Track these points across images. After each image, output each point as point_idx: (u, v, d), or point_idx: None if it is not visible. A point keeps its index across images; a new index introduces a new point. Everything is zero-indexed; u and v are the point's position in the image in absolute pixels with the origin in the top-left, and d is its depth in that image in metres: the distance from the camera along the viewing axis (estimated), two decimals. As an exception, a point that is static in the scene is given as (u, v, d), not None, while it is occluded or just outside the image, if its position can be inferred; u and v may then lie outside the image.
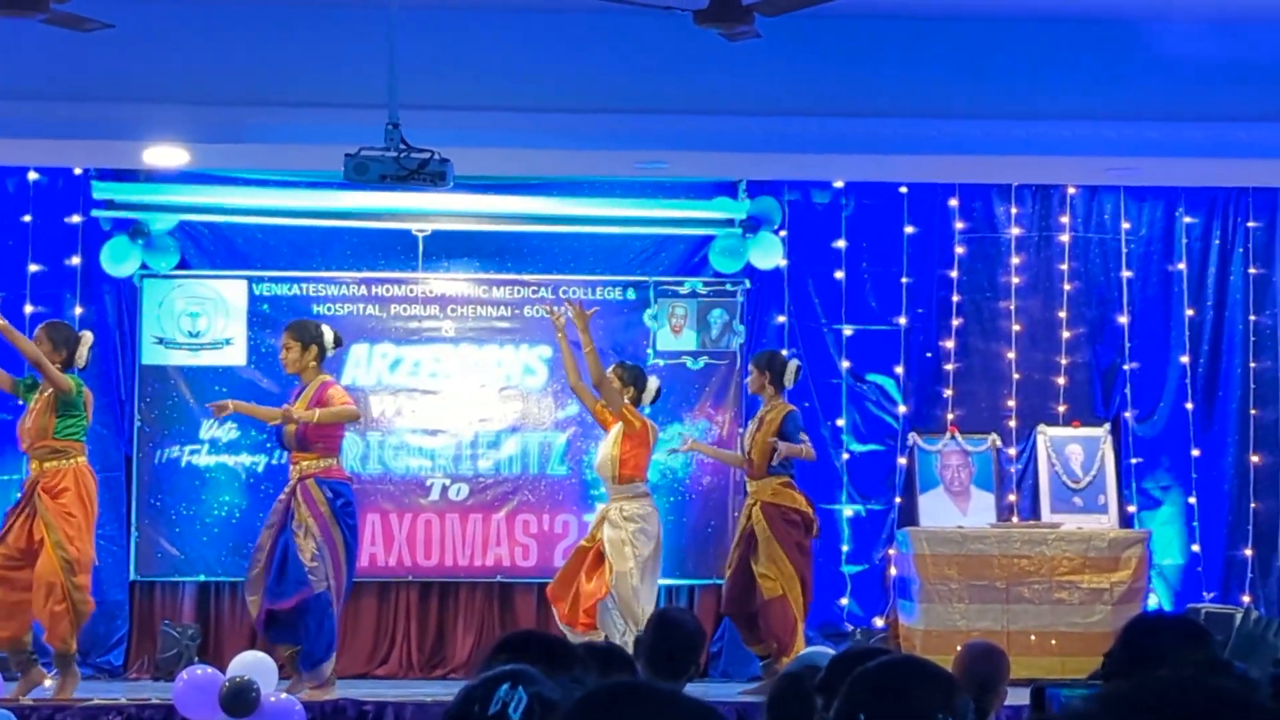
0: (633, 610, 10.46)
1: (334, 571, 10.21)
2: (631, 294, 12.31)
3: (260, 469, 11.99)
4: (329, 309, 12.15)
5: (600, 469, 11.02)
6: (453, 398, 12.23)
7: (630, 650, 7.22)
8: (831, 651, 7.79)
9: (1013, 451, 12.50)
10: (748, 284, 12.41)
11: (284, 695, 9.77)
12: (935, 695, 3.48)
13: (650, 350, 12.22)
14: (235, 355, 11.99)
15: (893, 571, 12.26)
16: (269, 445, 11.87)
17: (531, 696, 3.01)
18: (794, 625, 10.81)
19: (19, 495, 10.42)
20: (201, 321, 12.05)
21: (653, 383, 11.08)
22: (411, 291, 12.28)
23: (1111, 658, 4.46)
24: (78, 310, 11.88)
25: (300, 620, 10.21)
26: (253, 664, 9.82)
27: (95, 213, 12.08)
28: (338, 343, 10.60)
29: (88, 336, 10.47)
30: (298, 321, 10.73)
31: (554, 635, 4.57)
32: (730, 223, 12.37)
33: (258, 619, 10.41)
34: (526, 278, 12.32)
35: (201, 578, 11.96)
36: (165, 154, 11.26)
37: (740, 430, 12.12)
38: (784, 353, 11.69)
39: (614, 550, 10.68)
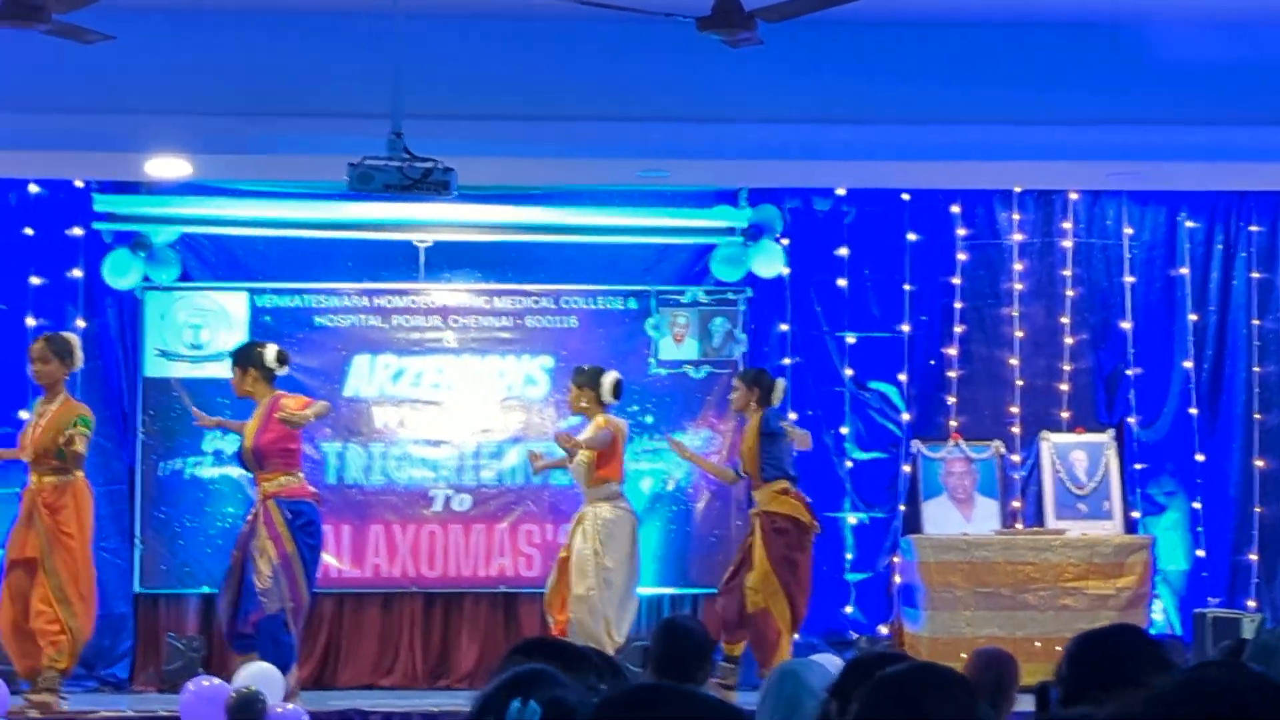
0: (590, 632, 10.44)
1: (291, 591, 10.30)
2: (633, 303, 12.30)
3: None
4: (330, 320, 12.15)
5: (574, 472, 11.06)
6: (455, 408, 12.22)
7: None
8: (836, 659, 7.80)
9: (1016, 458, 12.49)
10: (749, 292, 12.39)
11: (290, 706, 9.76)
12: (956, 702, 3.44)
13: (652, 359, 12.20)
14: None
15: (897, 579, 12.25)
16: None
17: (545, 704, 2.95)
18: (776, 639, 10.79)
19: (18, 509, 10.41)
20: (204, 333, 12.04)
21: (608, 379, 11.07)
22: (413, 302, 12.27)
23: (1064, 680, 4.33)
24: (80, 323, 11.85)
25: (257, 640, 10.32)
26: (259, 675, 9.80)
27: (96, 225, 12.07)
28: (281, 359, 10.66)
29: (75, 338, 10.57)
30: (239, 347, 10.91)
31: (567, 641, 4.54)
32: (731, 231, 12.36)
33: (228, 635, 10.52)
34: (528, 288, 12.31)
35: (205, 589, 11.93)
36: (167, 165, 11.26)
37: (736, 442, 12.14)
38: (773, 372, 11.68)
39: (577, 569, 10.75)
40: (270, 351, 10.61)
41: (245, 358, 10.59)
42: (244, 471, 10.84)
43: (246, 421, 10.69)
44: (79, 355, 10.50)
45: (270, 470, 10.41)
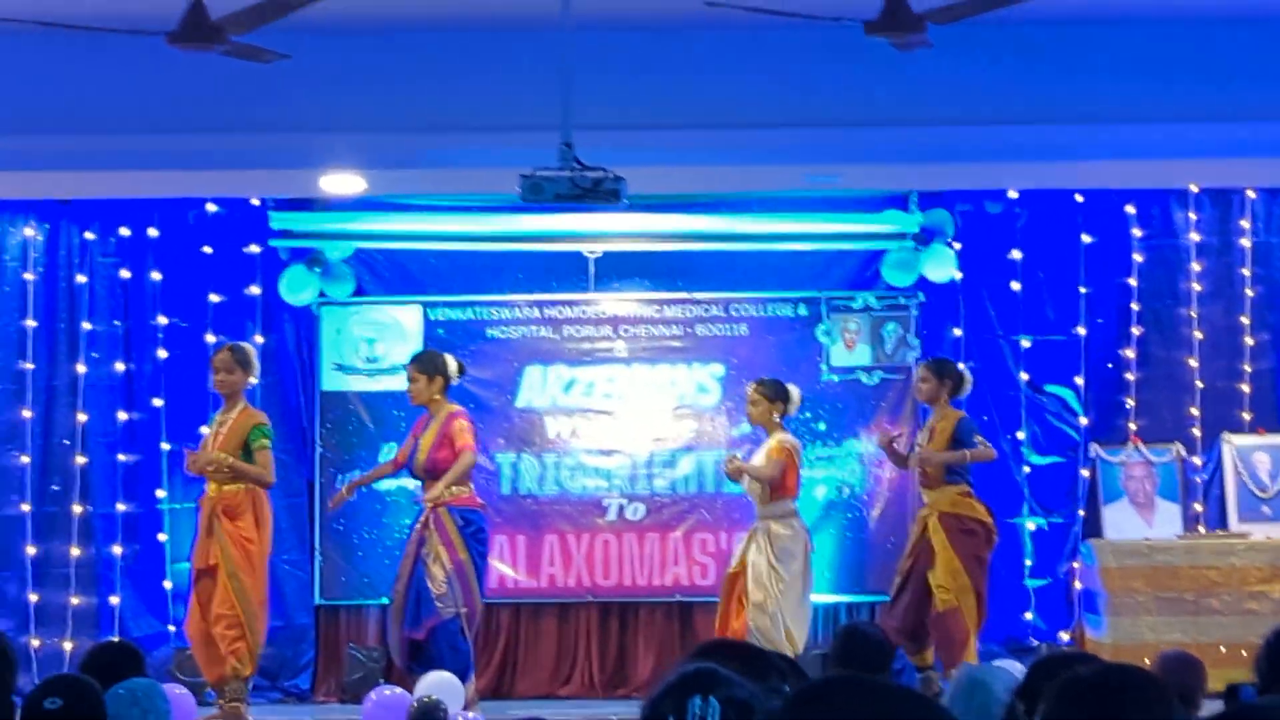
0: (771, 639, 10.38)
1: (465, 597, 10.34)
2: (804, 310, 12.26)
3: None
4: (502, 332, 12.24)
5: (750, 489, 10.97)
6: (627, 418, 12.25)
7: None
8: (1018, 665, 7.72)
9: (1198, 461, 12.30)
10: (921, 297, 12.31)
11: (472, 715, 9.83)
12: (1152, 704, 3.35)
13: (824, 366, 12.16)
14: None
15: (1077, 585, 12.11)
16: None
17: (725, 704, 2.93)
18: (965, 639, 10.65)
19: (197, 518, 10.56)
20: (379, 347, 12.17)
21: (795, 393, 10.99)
22: (584, 313, 12.32)
23: (1262, 674, 4.27)
24: (258, 339, 12.04)
25: (434, 648, 10.32)
26: (440, 684, 9.88)
27: (273, 242, 12.26)
28: (461, 372, 10.77)
29: (252, 348, 10.75)
30: (422, 353, 11.00)
31: (749, 644, 4.51)
32: (902, 236, 12.28)
33: (399, 651, 10.52)
34: (698, 296, 12.32)
35: (385, 600, 12.00)
36: (342, 181, 11.41)
37: (914, 444, 12.04)
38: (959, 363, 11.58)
39: (754, 579, 10.64)
40: (453, 362, 10.74)
41: (432, 366, 10.67)
42: (417, 481, 10.89)
43: (384, 465, 10.91)
44: (256, 366, 10.68)
45: (440, 473, 10.48)
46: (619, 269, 12.39)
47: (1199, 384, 12.34)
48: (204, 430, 11.96)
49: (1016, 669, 5.82)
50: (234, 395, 10.54)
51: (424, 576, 10.34)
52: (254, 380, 10.75)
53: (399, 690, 10.12)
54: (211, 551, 10.26)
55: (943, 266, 12.25)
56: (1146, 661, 7.01)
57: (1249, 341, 12.34)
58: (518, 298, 12.32)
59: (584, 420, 12.26)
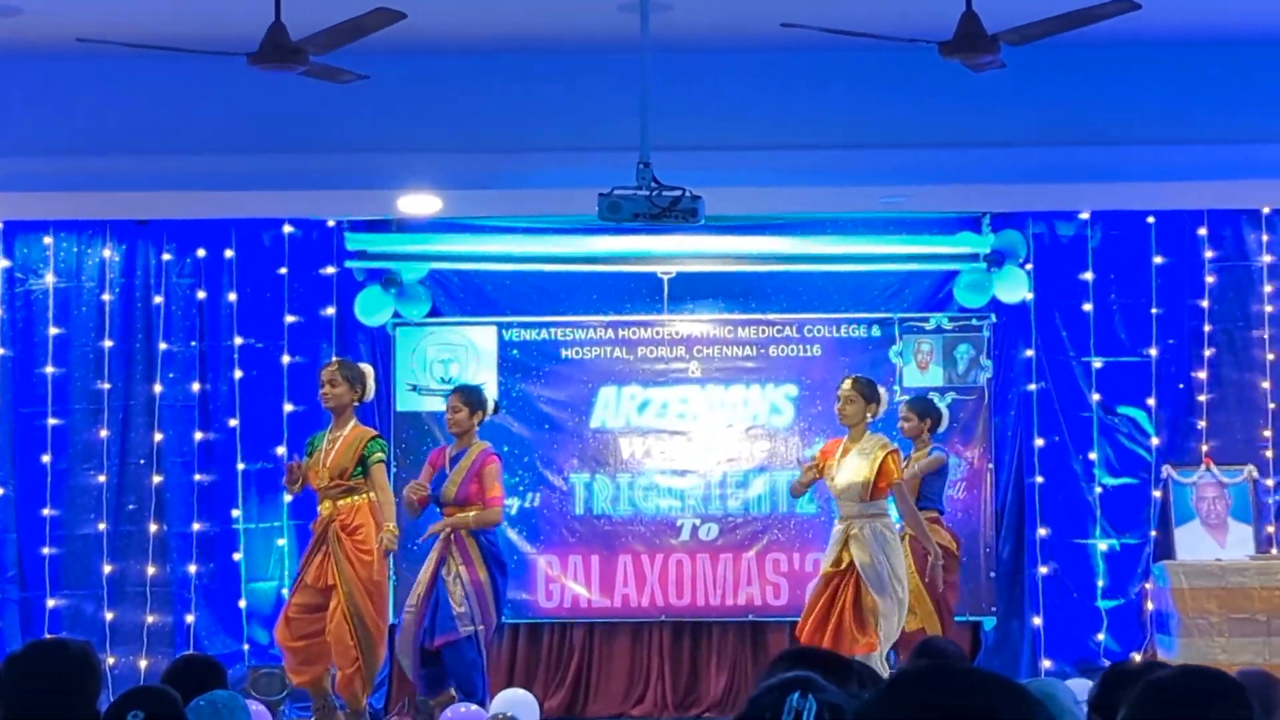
0: (893, 638, 10.26)
1: (482, 614, 10.37)
2: (877, 331, 12.28)
3: (513, 511, 12.12)
4: (577, 353, 12.30)
5: (846, 491, 10.39)
6: (700, 438, 12.29)
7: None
8: (1089, 685, 7.71)
9: (1270, 482, 12.26)
10: (994, 318, 12.32)
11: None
12: (1235, 706, 3.36)
13: (897, 387, 12.16)
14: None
15: (1149, 606, 12.08)
16: (521, 489, 12.09)
17: (821, 704, 3.00)
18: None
19: (313, 535, 10.50)
20: (454, 368, 12.23)
21: (885, 394, 10.87)
22: (657, 334, 12.37)
23: None
24: (340, 359, 12.10)
25: (451, 663, 10.36)
26: (514, 701, 9.93)
27: (348, 263, 12.35)
28: (496, 409, 10.87)
29: (369, 368, 10.77)
30: (465, 386, 11.01)
31: (831, 651, 4.54)
32: (975, 257, 12.31)
33: (412, 661, 10.51)
34: (771, 317, 12.36)
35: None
36: (419, 202, 11.48)
37: (989, 465, 12.06)
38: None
39: (873, 582, 10.25)
40: (491, 400, 10.85)
41: (477, 400, 10.71)
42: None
43: (428, 489, 10.77)
44: (370, 385, 10.64)
45: (468, 506, 10.55)
46: (693, 290, 12.44)
47: (1271, 405, 12.31)
48: (279, 451, 12.10)
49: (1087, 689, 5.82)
50: (342, 411, 10.51)
51: (444, 593, 10.37)
52: (367, 398, 10.70)
53: (474, 707, 10.17)
54: (329, 571, 10.24)
55: (1015, 288, 12.27)
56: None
57: (1321, 363, 12.30)
58: (592, 319, 12.39)
59: (657, 441, 12.31)
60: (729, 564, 12.18)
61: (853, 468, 10.42)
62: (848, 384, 10.60)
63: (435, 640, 10.34)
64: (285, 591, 11.47)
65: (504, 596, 10.67)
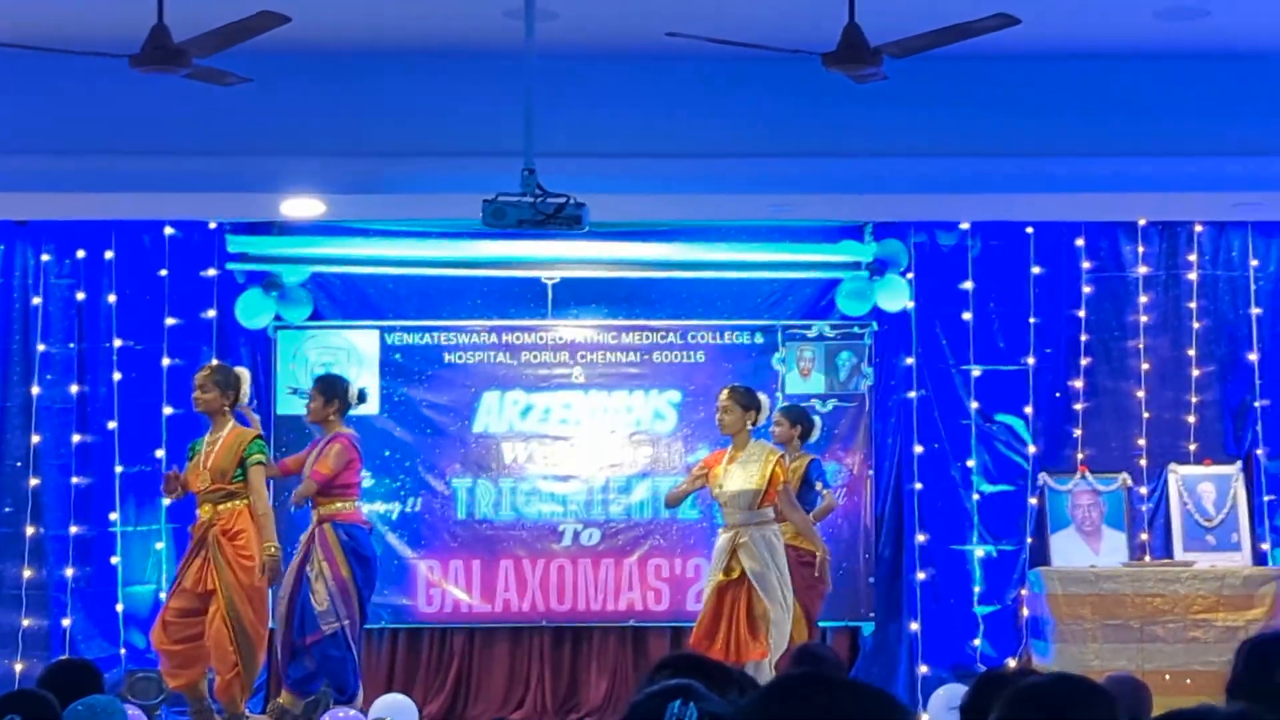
0: (782, 646, 10.26)
1: (346, 610, 10.33)
2: (760, 338, 12.36)
3: (394, 515, 12.11)
4: (460, 357, 12.29)
5: (734, 500, 10.43)
6: (583, 443, 12.31)
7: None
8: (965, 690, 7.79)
9: (1144, 490, 12.43)
10: (875, 326, 12.43)
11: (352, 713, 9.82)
12: (1100, 711, 3.44)
13: (779, 394, 12.23)
14: (369, 405, 12.06)
15: (1025, 612, 12.22)
16: (402, 493, 12.07)
17: (702, 713, 3.01)
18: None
19: (192, 539, 10.39)
20: (334, 371, 12.17)
21: (766, 401, 10.88)
22: (541, 339, 12.39)
23: (1236, 682, 4.38)
24: (214, 362, 12.02)
25: (320, 661, 10.32)
26: (394, 705, 9.92)
27: (230, 266, 12.28)
28: (361, 399, 10.78)
29: (245, 373, 10.69)
30: (323, 376, 11.01)
31: (712, 659, 4.58)
32: (857, 266, 12.42)
33: (282, 665, 10.49)
34: (654, 323, 12.40)
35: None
36: (302, 205, 11.43)
37: (869, 472, 12.17)
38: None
39: (763, 589, 10.30)
40: (353, 389, 10.73)
41: (332, 390, 10.64)
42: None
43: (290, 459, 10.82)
44: (245, 389, 10.53)
45: (332, 498, 10.49)
46: (577, 295, 12.47)
47: (1145, 414, 12.48)
48: (159, 454, 12.01)
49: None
50: (218, 415, 10.42)
51: (306, 592, 10.33)
52: (242, 402, 10.57)
53: (353, 712, 10.15)
54: (208, 576, 10.16)
55: (896, 296, 12.39)
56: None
57: (1195, 373, 12.48)
58: (475, 323, 12.38)
59: (540, 446, 12.32)
60: (610, 569, 12.21)
61: (742, 476, 10.47)
62: (725, 394, 10.66)
63: (306, 638, 10.30)
64: (163, 595, 11.37)
65: (367, 591, 10.59)
